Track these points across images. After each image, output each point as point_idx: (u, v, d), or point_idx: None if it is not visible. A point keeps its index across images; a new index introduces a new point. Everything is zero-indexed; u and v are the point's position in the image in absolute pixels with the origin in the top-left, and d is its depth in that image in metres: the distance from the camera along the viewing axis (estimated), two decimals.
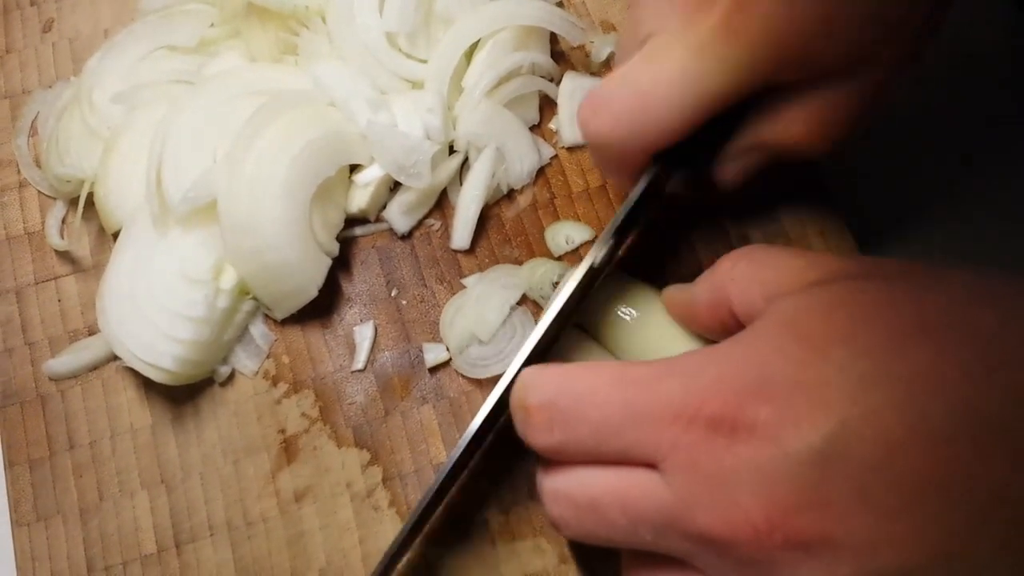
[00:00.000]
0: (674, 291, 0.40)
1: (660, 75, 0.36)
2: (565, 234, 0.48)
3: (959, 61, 0.48)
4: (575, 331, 0.43)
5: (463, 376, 0.45)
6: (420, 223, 0.49)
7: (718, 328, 0.37)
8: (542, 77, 0.50)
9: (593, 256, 0.38)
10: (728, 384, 0.29)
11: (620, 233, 0.39)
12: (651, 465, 0.31)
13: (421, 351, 0.46)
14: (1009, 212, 0.50)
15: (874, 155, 0.50)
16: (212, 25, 0.51)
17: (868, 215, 0.49)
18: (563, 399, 0.33)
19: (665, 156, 0.39)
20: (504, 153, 0.49)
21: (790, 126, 0.39)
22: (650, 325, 0.42)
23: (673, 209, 0.47)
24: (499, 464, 0.43)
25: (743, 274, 0.35)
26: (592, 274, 0.39)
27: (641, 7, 0.39)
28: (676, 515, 0.30)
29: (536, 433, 0.33)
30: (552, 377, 0.34)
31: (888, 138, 0.49)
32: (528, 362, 0.36)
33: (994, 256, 0.49)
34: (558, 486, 0.33)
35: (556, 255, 0.48)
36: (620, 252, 0.43)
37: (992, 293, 0.30)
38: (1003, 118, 0.52)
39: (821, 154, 0.41)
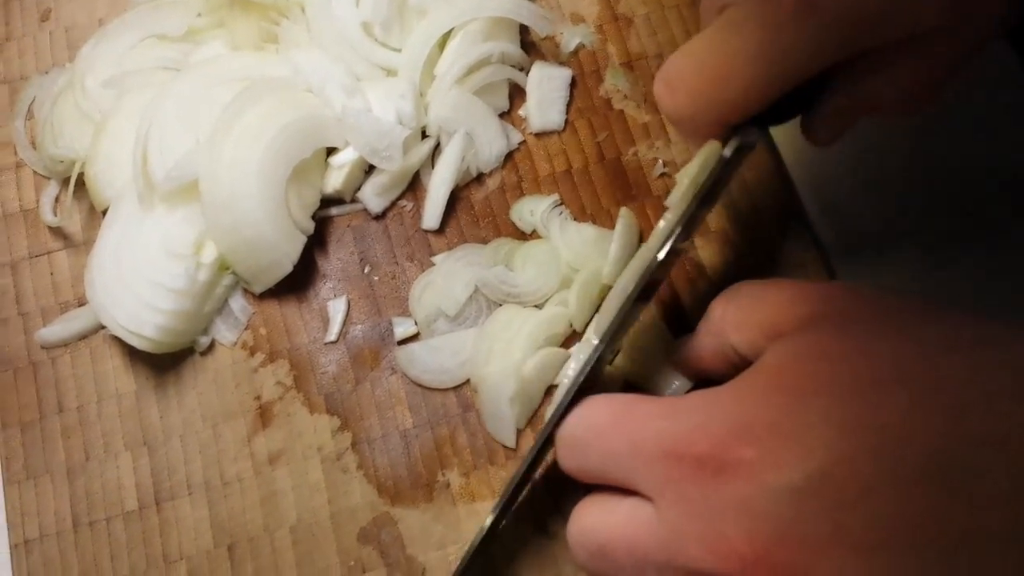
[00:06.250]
0: (679, 349, 0.42)
1: (736, 52, 0.35)
2: (529, 208, 0.50)
3: None
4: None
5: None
6: (393, 204, 0.51)
7: (727, 370, 0.39)
8: (512, 66, 0.53)
9: (676, 229, 0.38)
10: (716, 427, 0.31)
11: (702, 204, 0.38)
12: (649, 499, 0.33)
13: (391, 325, 0.49)
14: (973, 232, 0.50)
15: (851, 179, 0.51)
16: (199, 15, 0.53)
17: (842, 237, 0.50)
18: (579, 430, 0.36)
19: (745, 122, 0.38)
20: (474, 138, 0.51)
21: (880, 91, 0.38)
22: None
23: None
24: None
25: (736, 319, 0.37)
26: (671, 254, 0.38)
27: None
28: (672, 549, 0.31)
29: (561, 460, 0.37)
30: (576, 409, 0.37)
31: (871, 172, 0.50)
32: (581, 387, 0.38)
33: (967, 271, 0.49)
34: (573, 533, 0.36)
35: (521, 231, 0.50)
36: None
37: (965, 342, 0.31)
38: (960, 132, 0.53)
39: (911, 114, 0.40)
